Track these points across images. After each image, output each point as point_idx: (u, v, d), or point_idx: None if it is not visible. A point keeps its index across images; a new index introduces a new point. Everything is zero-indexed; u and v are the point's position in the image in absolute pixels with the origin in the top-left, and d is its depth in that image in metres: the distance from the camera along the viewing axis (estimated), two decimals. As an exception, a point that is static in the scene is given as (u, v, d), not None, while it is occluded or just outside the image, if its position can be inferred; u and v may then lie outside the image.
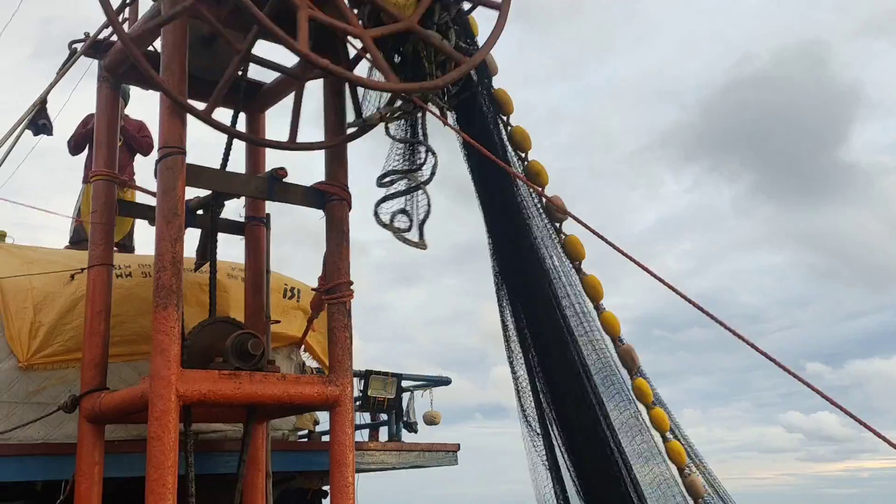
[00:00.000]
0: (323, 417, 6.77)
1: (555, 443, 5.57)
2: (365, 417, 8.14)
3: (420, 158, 5.30)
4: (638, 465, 5.40)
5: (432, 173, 5.25)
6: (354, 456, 4.73)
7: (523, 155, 5.65)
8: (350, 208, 5.06)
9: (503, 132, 5.57)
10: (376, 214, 5.35)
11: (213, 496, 5.03)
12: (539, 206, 5.56)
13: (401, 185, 5.35)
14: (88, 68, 5.66)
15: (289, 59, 4.83)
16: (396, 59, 4.92)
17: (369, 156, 5.74)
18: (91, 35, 5.38)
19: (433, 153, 5.21)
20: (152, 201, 5.09)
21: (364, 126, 5.11)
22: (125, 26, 5.13)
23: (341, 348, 4.83)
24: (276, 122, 6.06)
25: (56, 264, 5.91)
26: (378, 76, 4.62)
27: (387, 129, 5.30)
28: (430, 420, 8.31)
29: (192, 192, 5.08)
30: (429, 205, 5.32)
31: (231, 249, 6.14)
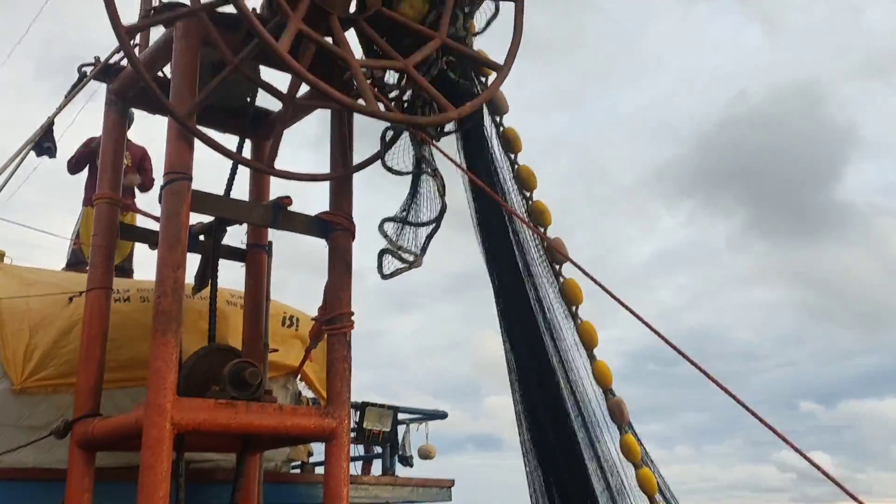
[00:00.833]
0: (317, 448, 6.69)
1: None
2: (359, 449, 8.05)
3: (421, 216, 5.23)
4: None
5: (440, 214, 5.15)
6: (349, 490, 4.65)
7: (528, 194, 5.65)
8: (353, 238, 5.04)
9: (510, 170, 5.57)
10: (381, 228, 5.30)
11: (203, 527, 4.95)
12: (539, 248, 5.53)
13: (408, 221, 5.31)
14: (95, 92, 5.69)
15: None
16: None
17: (367, 182, 5.74)
18: (101, 60, 5.40)
19: (441, 189, 5.11)
20: (153, 225, 5.07)
21: (394, 172, 5.13)
22: (136, 51, 5.15)
23: (340, 380, 4.77)
24: (281, 150, 6.06)
25: (55, 286, 5.86)
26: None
27: (384, 164, 5.24)
28: (426, 454, 8.24)
29: (194, 218, 5.05)
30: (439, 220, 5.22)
31: (229, 274, 6.10)
